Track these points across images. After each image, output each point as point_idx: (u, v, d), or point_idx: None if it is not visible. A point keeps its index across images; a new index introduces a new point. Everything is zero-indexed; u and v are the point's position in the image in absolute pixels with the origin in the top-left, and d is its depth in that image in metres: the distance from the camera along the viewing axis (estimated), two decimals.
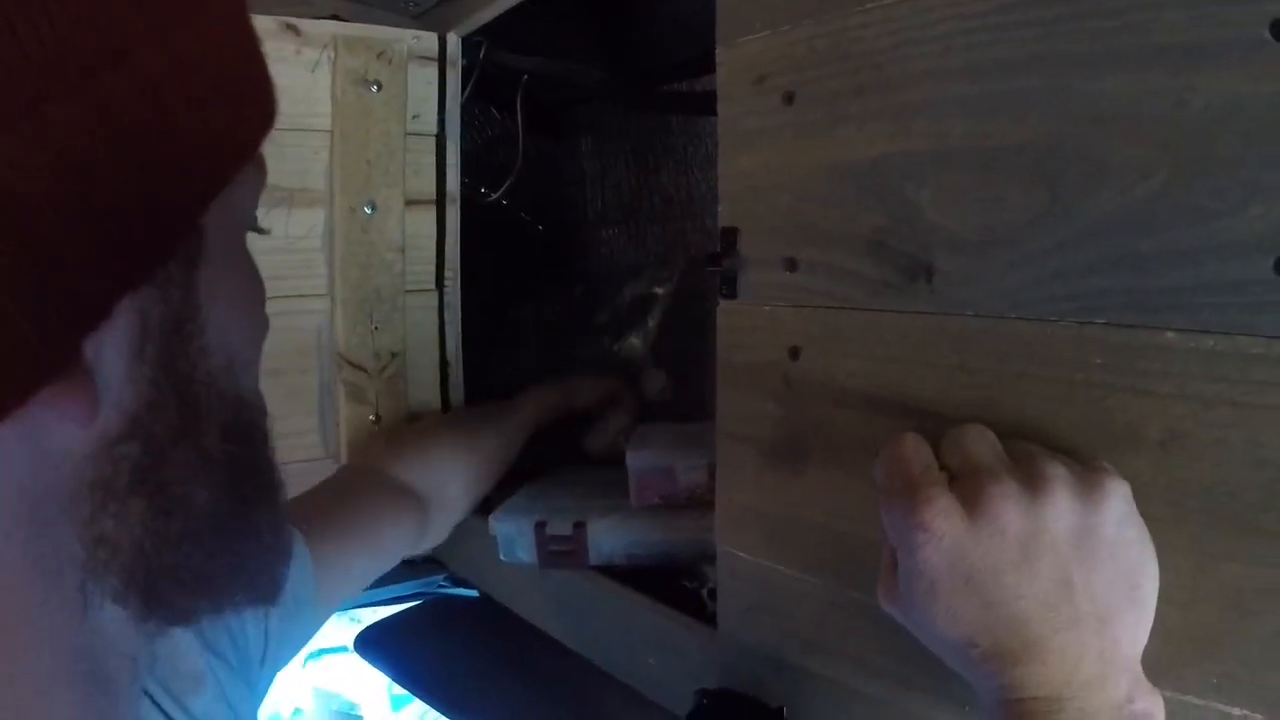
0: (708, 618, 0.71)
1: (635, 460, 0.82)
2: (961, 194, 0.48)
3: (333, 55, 0.92)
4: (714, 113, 0.63)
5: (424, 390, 1.05)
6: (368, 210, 0.96)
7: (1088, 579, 0.40)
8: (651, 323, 1.14)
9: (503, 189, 1.13)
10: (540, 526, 0.84)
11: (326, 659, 2.31)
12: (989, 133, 0.46)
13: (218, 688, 0.54)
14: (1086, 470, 0.41)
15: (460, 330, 1.07)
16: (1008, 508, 0.40)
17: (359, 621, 1.35)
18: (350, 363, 0.98)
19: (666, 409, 1.14)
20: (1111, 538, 0.40)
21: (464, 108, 1.05)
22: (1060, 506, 0.40)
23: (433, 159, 1.03)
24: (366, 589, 0.83)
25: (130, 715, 0.38)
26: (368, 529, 0.79)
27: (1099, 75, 0.42)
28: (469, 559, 1.06)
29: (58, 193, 0.26)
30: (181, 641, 0.53)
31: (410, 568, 1.11)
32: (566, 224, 1.39)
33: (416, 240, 1.02)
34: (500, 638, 1.02)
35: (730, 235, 0.62)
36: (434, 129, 1.02)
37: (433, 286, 1.05)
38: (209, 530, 0.36)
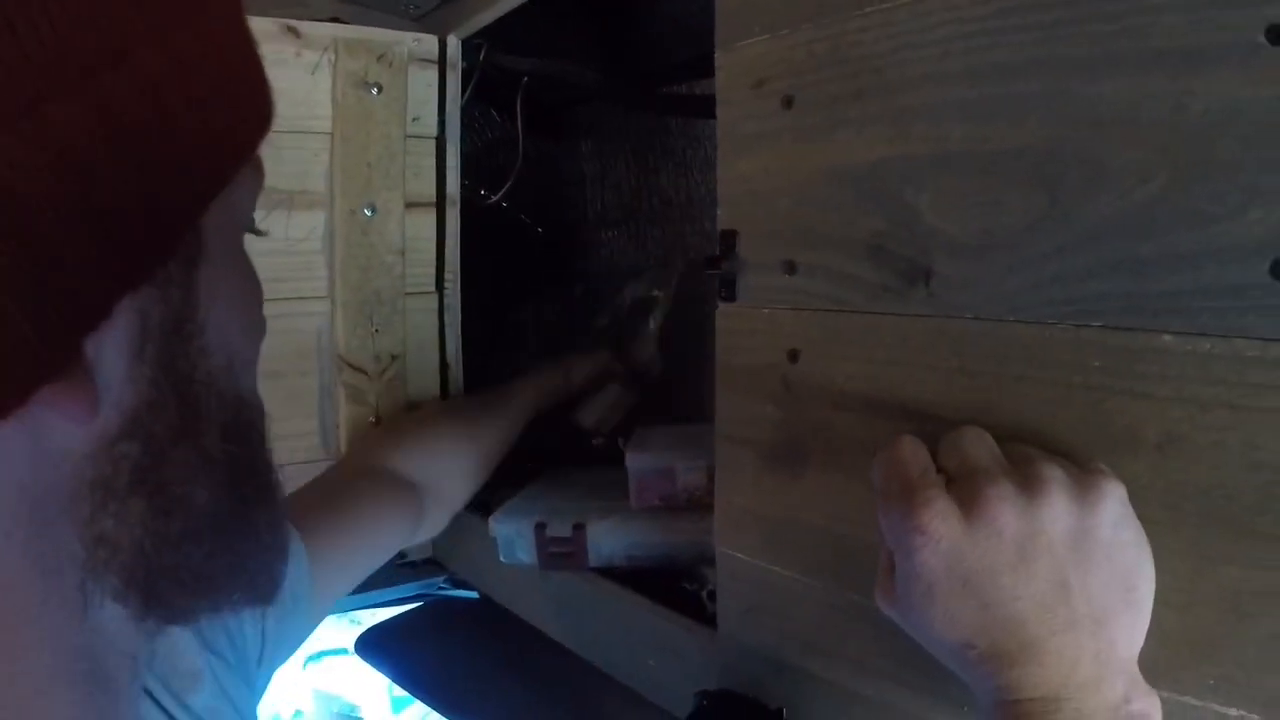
0: (707, 619, 0.71)
1: (635, 462, 0.82)
2: (960, 198, 0.48)
3: (333, 58, 0.92)
4: (713, 115, 0.63)
5: (424, 392, 1.06)
6: (368, 213, 0.96)
7: (1084, 581, 0.40)
8: (653, 325, 1.14)
9: (503, 191, 1.13)
10: (540, 528, 0.84)
11: (327, 661, 2.31)
12: (988, 137, 0.46)
13: (216, 685, 0.54)
14: (1083, 472, 0.42)
15: (460, 332, 1.08)
16: (1004, 510, 0.40)
17: (359, 623, 1.35)
18: (350, 365, 0.98)
19: (657, 383, 1.15)
20: (1107, 539, 0.40)
21: (464, 110, 1.05)
22: (1057, 508, 0.40)
23: (433, 161, 1.03)
24: (363, 586, 0.83)
25: (131, 713, 0.38)
26: (364, 525, 0.79)
27: (1098, 79, 0.42)
28: (469, 561, 1.07)
29: (58, 193, 0.26)
30: (180, 640, 0.53)
31: (411, 569, 1.11)
32: (566, 226, 1.39)
33: (417, 242, 1.02)
34: (500, 639, 1.02)
35: (729, 238, 0.62)
36: (434, 131, 1.02)
37: (433, 289, 1.05)
38: (209, 530, 0.36)
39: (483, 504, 0.98)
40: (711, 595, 0.71)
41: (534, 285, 1.36)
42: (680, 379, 1.14)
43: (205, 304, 0.35)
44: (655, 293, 1.15)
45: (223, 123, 0.33)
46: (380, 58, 0.95)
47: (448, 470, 0.93)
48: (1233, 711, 0.40)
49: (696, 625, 0.73)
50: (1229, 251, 0.38)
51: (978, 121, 0.47)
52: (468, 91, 1.04)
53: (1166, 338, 0.40)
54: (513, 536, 0.87)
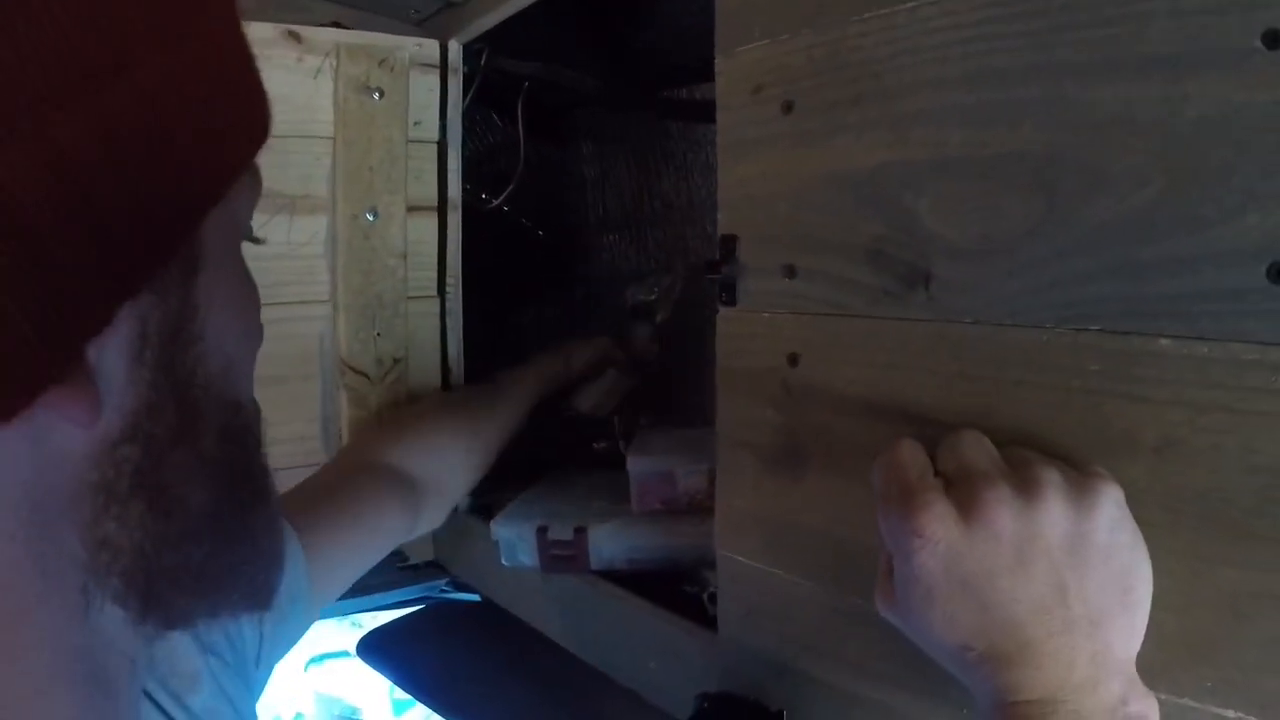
0: (708, 622, 0.71)
1: (636, 465, 0.83)
2: (959, 203, 0.48)
3: (334, 63, 0.93)
4: (713, 120, 0.63)
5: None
6: (370, 217, 0.97)
7: (1081, 583, 0.40)
8: (656, 318, 1.15)
9: (504, 195, 1.13)
10: (542, 531, 0.84)
11: (328, 663, 2.31)
12: (986, 142, 0.47)
13: (215, 685, 0.54)
14: (1080, 475, 0.42)
15: (462, 336, 1.08)
16: (1002, 513, 0.40)
17: (360, 626, 1.36)
18: (352, 369, 0.98)
19: (656, 368, 1.16)
20: (1104, 542, 0.40)
21: (465, 114, 1.05)
22: (1054, 512, 0.40)
23: (434, 166, 1.03)
24: (365, 589, 0.83)
25: (130, 715, 0.38)
26: (362, 522, 0.79)
27: (1095, 84, 0.42)
28: (471, 563, 1.07)
29: (59, 200, 0.27)
30: (178, 642, 0.53)
31: (412, 572, 1.11)
32: (567, 229, 1.39)
33: (418, 246, 1.03)
34: (502, 642, 1.03)
35: (729, 243, 0.62)
36: (436, 136, 1.02)
37: (434, 293, 1.05)
38: (207, 531, 0.37)
39: (484, 507, 0.98)
40: (712, 598, 0.71)
41: (535, 289, 1.37)
42: (681, 382, 1.14)
43: (204, 310, 0.36)
44: (654, 295, 1.15)
45: (221, 131, 0.34)
46: (382, 63, 0.95)
47: (445, 464, 0.93)
48: (1230, 713, 0.40)
49: (697, 628, 0.73)
50: (1226, 255, 0.38)
51: (976, 126, 0.47)
52: (469, 96, 1.04)
53: (1164, 341, 0.40)
54: (514, 540, 0.87)
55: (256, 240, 0.42)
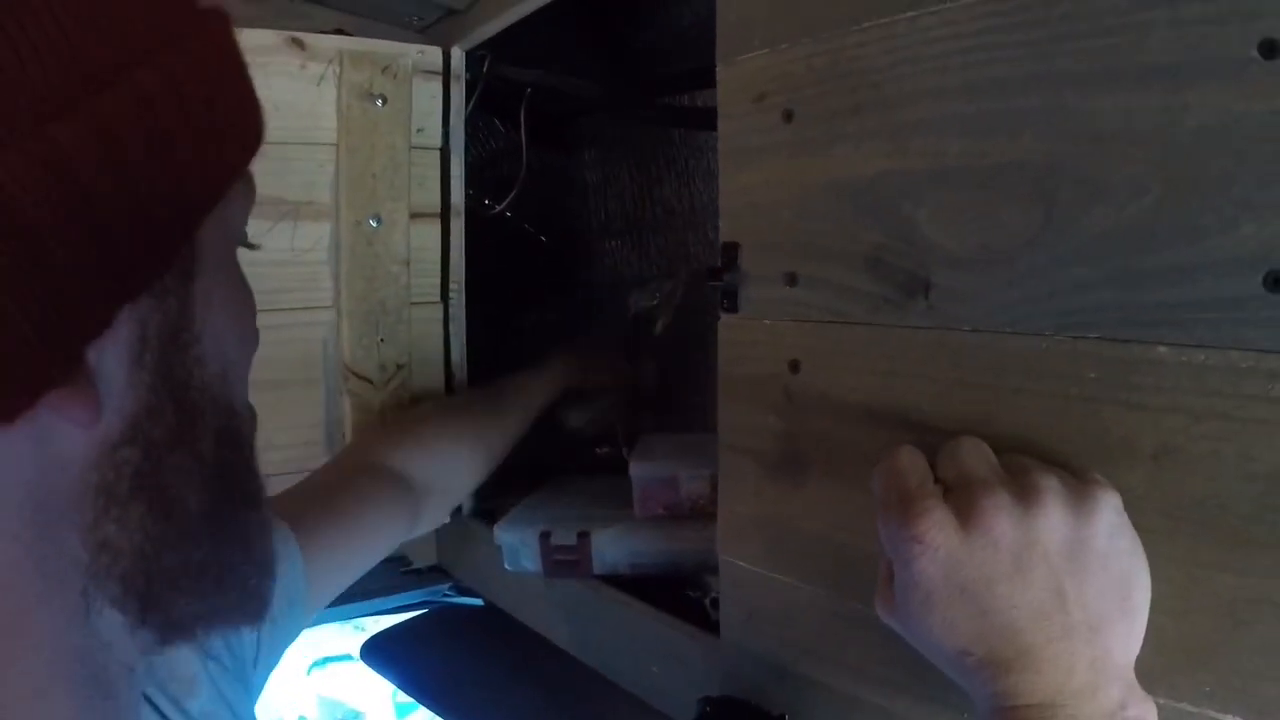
0: (710, 626, 0.71)
1: (639, 471, 0.83)
2: (959, 212, 0.48)
3: (338, 69, 0.93)
4: (715, 127, 0.63)
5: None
6: (373, 223, 0.97)
7: (1080, 589, 0.40)
8: (659, 328, 1.15)
9: (507, 201, 1.14)
10: (545, 536, 0.85)
11: (331, 667, 2.31)
12: (986, 151, 0.47)
13: (214, 690, 0.55)
14: (1079, 482, 0.42)
15: (465, 341, 1.08)
16: (1000, 519, 0.40)
17: (363, 630, 1.36)
18: (356, 374, 0.98)
19: (656, 401, 1.15)
20: (1103, 548, 0.41)
21: (468, 121, 1.06)
22: (1052, 518, 0.40)
23: (437, 172, 1.04)
24: (368, 593, 0.83)
25: (130, 718, 0.39)
26: (362, 525, 0.79)
27: (1094, 94, 0.42)
28: (474, 568, 1.07)
29: (59, 206, 0.27)
30: (178, 647, 0.54)
31: (416, 577, 1.12)
32: (570, 235, 1.40)
33: (421, 253, 1.03)
34: (505, 646, 1.03)
35: (731, 250, 0.62)
36: (438, 142, 1.03)
37: (437, 298, 1.06)
38: (205, 532, 0.37)
39: (488, 512, 0.99)
40: (714, 603, 0.72)
41: (538, 294, 1.37)
42: (683, 389, 1.15)
43: (201, 315, 0.36)
44: (656, 301, 1.15)
45: (218, 134, 0.35)
46: (385, 69, 0.96)
47: (446, 467, 0.92)
48: (1228, 718, 0.40)
49: (700, 632, 0.73)
50: (1223, 264, 0.38)
51: (976, 136, 0.47)
52: (472, 102, 1.05)
53: (1162, 349, 0.41)
54: (518, 544, 0.87)
55: (252, 246, 0.42)
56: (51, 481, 0.32)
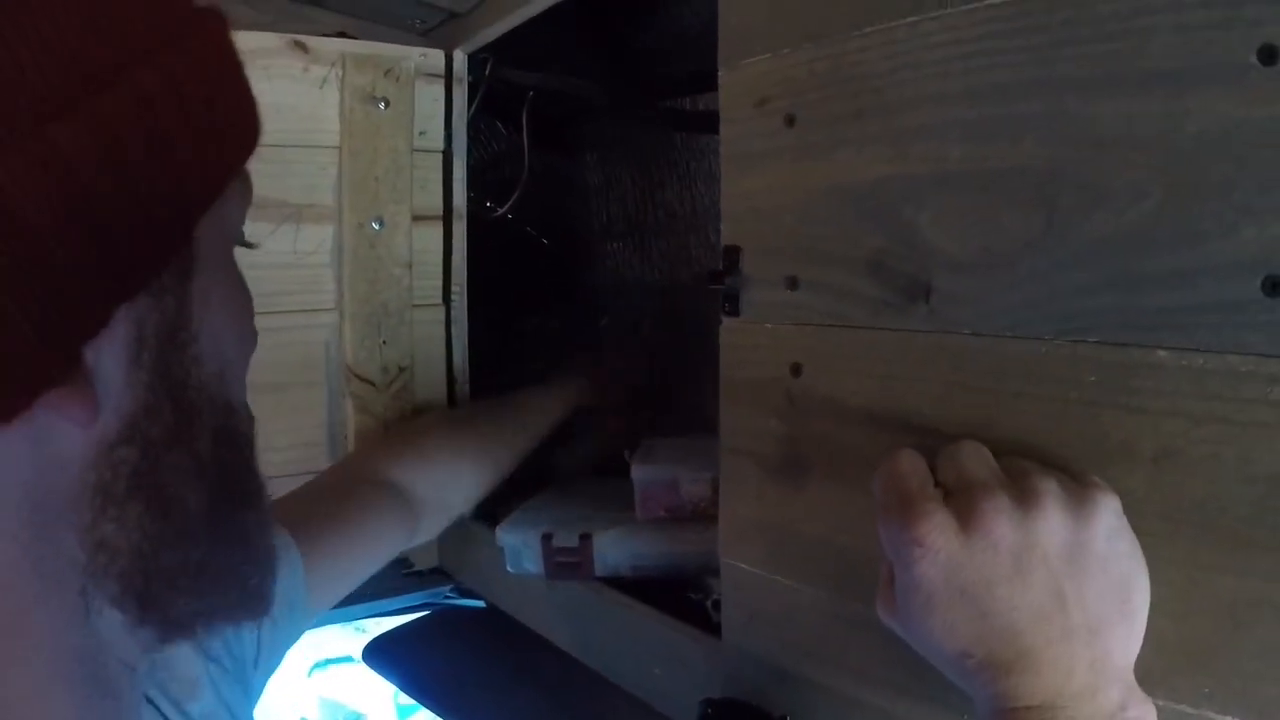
0: (712, 629, 0.71)
1: (640, 473, 0.83)
2: (960, 216, 0.49)
3: (340, 72, 0.93)
4: (717, 131, 0.64)
5: (431, 404, 1.06)
6: (376, 226, 0.97)
7: (1079, 591, 0.40)
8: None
9: (509, 204, 1.14)
10: (547, 538, 0.85)
11: (332, 669, 2.31)
12: (987, 156, 0.47)
13: (214, 691, 0.55)
14: (1078, 485, 0.42)
15: (467, 344, 1.08)
16: (1000, 522, 0.41)
17: (365, 631, 1.36)
18: (358, 377, 0.98)
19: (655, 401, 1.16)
20: (1102, 551, 0.41)
21: (470, 124, 1.06)
22: (1052, 521, 0.41)
23: (439, 175, 1.04)
24: (370, 595, 0.83)
25: (132, 718, 0.39)
26: (363, 534, 0.79)
27: (1094, 99, 0.43)
28: (476, 570, 1.07)
29: (58, 206, 0.27)
30: (179, 649, 0.54)
31: (417, 579, 1.12)
32: (572, 238, 1.40)
33: (424, 255, 1.03)
34: (507, 648, 1.03)
35: (733, 254, 0.62)
36: (441, 145, 1.03)
37: (440, 301, 1.06)
38: (204, 532, 0.38)
39: (490, 514, 0.99)
40: (716, 605, 0.72)
41: (540, 297, 1.37)
42: (684, 392, 1.15)
43: (198, 314, 0.37)
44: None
45: (215, 138, 0.35)
46: (387, 72, 0.96)
47: (445, 480, 0.93)
48: (1228, 719, 0.40)
49: (701, 634, 0.73)
50: (1223, 268, 0.39)
51: (977, 141, 0.48)
52: (474, 105, 1.05)
53: (1161, 353, 0.41)
54: (519, 547, 0.87)
55: (249, 245, 0.42)
56: (49, 481, 0.33)
